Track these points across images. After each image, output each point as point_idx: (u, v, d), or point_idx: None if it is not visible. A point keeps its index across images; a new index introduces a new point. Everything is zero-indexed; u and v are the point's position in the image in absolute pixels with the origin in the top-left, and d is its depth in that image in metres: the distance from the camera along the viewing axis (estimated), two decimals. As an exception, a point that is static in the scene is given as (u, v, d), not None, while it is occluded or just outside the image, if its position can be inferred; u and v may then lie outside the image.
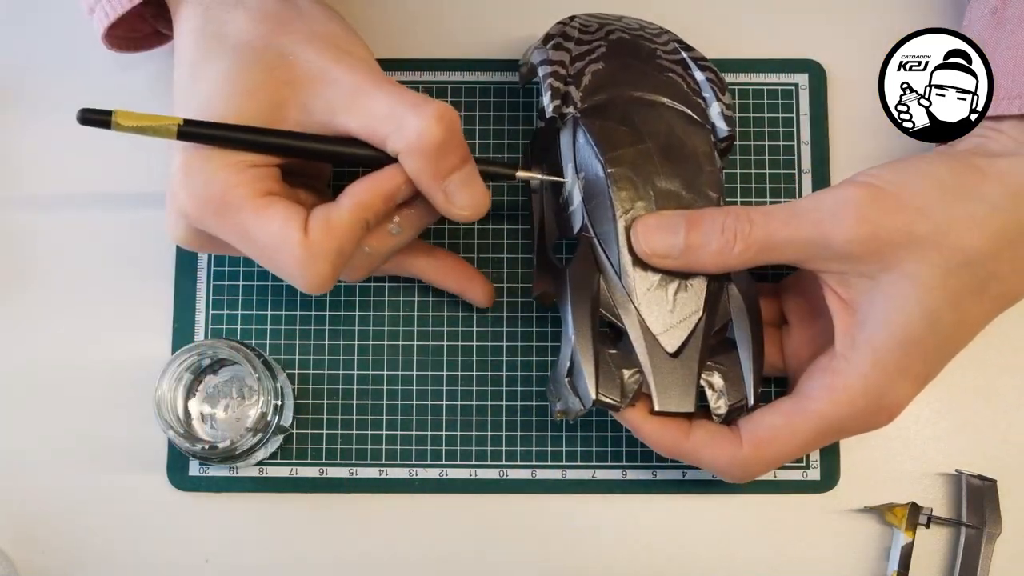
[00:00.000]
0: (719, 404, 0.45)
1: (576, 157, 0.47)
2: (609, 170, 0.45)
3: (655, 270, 0.45)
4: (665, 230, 0.44)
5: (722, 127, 0.48)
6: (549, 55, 0.48)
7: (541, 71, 0.48)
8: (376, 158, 0.42)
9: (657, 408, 0.44)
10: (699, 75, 0.49)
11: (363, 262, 0.44)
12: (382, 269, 0.47)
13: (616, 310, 0.45)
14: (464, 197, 0.42)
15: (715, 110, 0.48)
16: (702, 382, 0.45)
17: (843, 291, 0.43)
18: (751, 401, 0.45)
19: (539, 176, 0.47)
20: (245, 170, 0.41)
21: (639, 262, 0.45)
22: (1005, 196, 0.42)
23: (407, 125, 0.41)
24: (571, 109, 0.47)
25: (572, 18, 0.51)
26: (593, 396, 0.44)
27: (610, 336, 0.46)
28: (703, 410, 0.45)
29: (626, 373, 0.44)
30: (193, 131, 0.41)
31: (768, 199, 0.53)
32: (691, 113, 0.48)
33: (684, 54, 0.50)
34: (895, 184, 0.42)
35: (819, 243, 0.42)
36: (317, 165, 0.47)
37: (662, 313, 0.44)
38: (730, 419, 0.45)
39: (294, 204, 0.42)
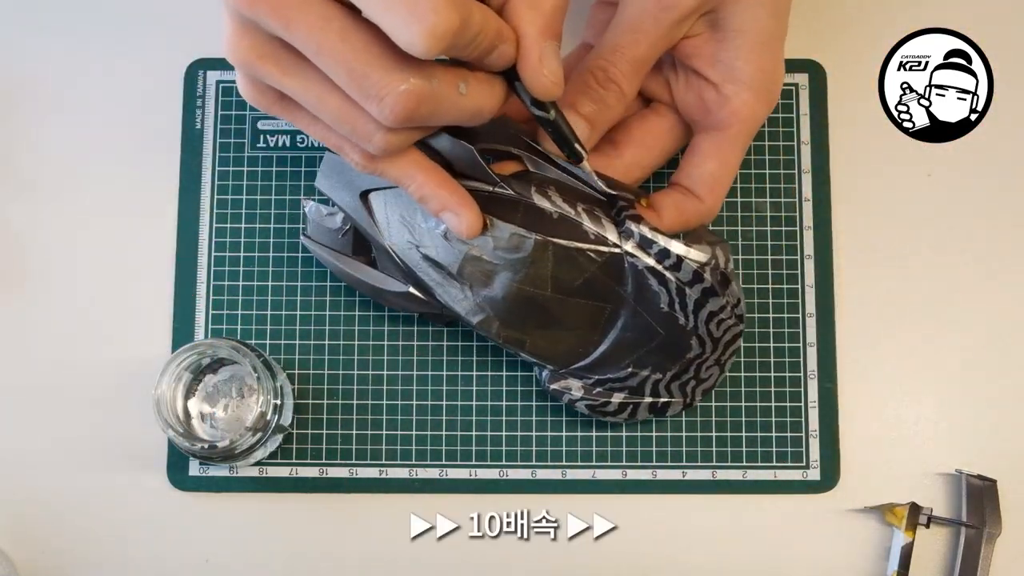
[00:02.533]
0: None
1: None
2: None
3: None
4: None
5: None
6: None
7: None
8: None
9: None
10: None
11: (423, 94, 0.38)
12: (380, 167, 0.43)
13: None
14: (555, 65, 0.40)
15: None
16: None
17: (697, 39, 0.46)
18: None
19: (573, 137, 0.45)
20: None
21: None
22: None
23: None
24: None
25: None
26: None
27: None
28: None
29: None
30: None
31: (768, 199, 0.53)
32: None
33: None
34: None
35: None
36: None
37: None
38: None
39: None
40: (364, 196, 0.48)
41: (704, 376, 0.49)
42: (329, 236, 0.51)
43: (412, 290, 0.48)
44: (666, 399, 0.49)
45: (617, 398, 0.49)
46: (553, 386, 0.49)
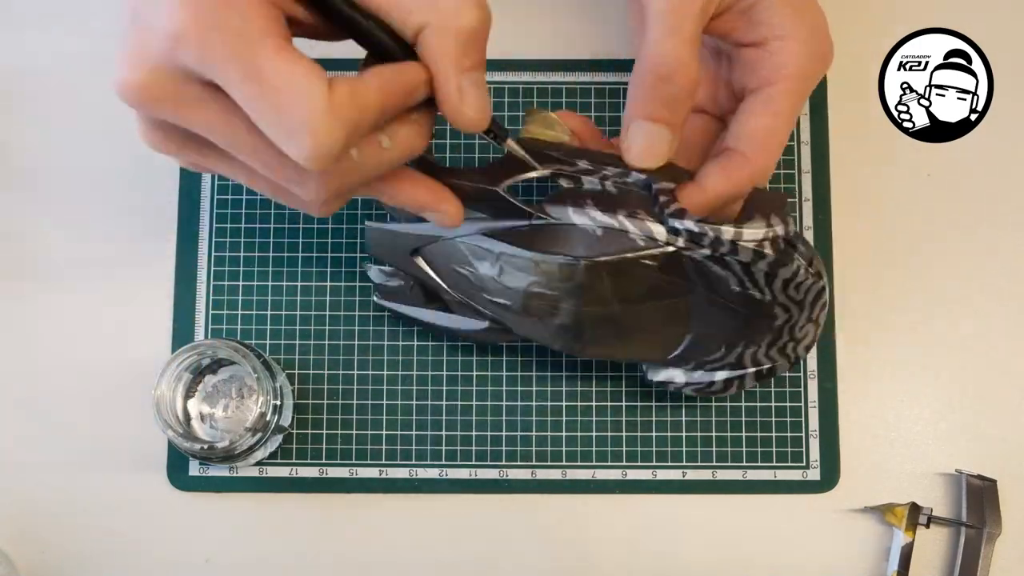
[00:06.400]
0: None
1: None
2: None
3: None
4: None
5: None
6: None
7: None
8: (387, 44, 0.38)
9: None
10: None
11: (345, 169, 0.39)
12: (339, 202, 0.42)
13: None
14: (476, 99, 0.38)
15: None
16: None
17: (729, 14, 0.44)
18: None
19: (522, 153, 0.43)
20: (265, 4, 0.36)
21: None
22: None
23: (443, 2, 0.37)
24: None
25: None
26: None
27: None
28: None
29: None
30: None
31: (768, 199, 0.53)
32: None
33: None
34: None
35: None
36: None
37: None
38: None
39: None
40: (415, 253, 0.47)
41: (800, 336, 0.47)
42: (399, 293, 0.50)
43: (490, 324, 0.48)
44: (769, 365, 0.47)
45: (720, 376, 0.48)
46: (656, 378, 0.48)
